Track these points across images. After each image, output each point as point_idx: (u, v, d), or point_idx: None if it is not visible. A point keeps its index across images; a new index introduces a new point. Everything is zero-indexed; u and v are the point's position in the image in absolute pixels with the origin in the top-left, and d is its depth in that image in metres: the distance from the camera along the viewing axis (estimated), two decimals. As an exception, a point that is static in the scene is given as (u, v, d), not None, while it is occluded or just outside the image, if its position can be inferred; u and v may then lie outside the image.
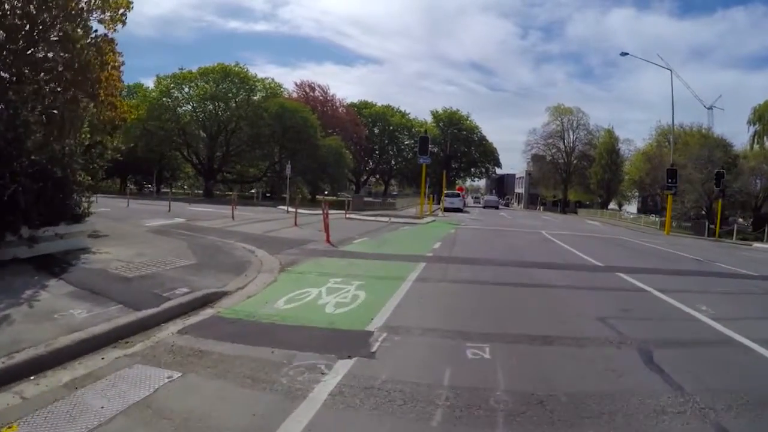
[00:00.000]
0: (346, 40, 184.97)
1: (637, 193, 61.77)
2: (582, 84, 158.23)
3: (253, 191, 50.89)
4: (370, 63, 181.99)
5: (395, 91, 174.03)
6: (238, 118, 45.15)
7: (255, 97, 45.65)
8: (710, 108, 54.56)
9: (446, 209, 39.80)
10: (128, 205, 22.87)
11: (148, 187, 52.04)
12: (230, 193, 50.59)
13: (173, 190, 47.34)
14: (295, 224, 16.97)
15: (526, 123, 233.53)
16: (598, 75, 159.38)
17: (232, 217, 18.98)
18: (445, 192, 45.63)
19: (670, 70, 36.00)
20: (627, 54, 42.82)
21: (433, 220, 25.03)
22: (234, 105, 45.19)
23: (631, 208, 65.52)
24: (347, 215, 21.85)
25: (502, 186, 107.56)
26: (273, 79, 48.01)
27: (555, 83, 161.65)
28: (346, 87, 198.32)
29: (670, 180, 32.21)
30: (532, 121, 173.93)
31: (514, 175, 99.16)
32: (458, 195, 47.10)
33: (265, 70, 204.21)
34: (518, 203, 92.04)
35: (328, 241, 12.81)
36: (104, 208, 17.75)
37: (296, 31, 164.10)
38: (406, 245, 13.61)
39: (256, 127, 43.56)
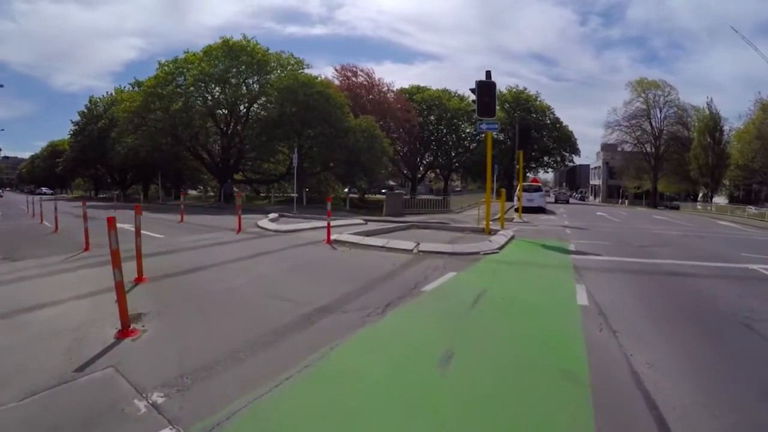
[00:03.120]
0: (403, 38, 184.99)
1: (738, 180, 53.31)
2: (647, 69, 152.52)
3: (273, 194, 47.64)
4: (430, 59, 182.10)
5: (456, 87, 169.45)
6: (249, 102, 41.28)
7: (270, 77, 40.43)
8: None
9: (524, 209, 28.32)
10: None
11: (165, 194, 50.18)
12: (258, 196, 48.88)
13: (187, 196, 45.64)
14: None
15: (592, 113, 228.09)
16: (663, 58, 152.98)
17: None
18: (522, 185, 32.77)
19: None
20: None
21: (510, 241, 13.81)
22: (244, 88, 40.64)
23: (720, 199, 55.57)
24: (341, 237, 12.90)
25: (573, 178, 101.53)
26: (292, 54, 42.17)
27: (619, 69, 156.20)
28: (406, 85, 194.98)
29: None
30: (599, 111, 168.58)
31: (587, 166, 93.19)
32: (539, 189, 35.92)
33: (325, 72, 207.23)
34: (594, 197, 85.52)
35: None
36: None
37: (353, 32, 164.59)
38: None
39: (267, 110, 39.93)
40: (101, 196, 68.08)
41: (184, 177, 58.57)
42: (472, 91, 15.94)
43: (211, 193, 54.08)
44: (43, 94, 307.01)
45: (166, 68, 40.42)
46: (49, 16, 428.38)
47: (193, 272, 8.78)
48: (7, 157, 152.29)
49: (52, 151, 74.95)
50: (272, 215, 22.07)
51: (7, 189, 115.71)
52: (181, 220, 20.04)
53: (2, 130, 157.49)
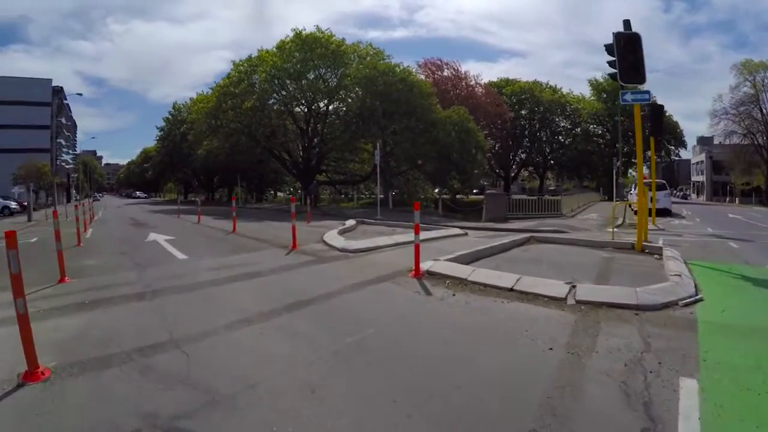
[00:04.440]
0: (486, 36, 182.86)
1: None
2: (738, 54, 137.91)
3: (358, 195, 43.78)
4: (514, 56, 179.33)
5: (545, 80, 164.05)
6: (328, 97, 37.60)
7: (348, 69, 36.36)
8: None
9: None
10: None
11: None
12: (343, 198, 45.87)
13: (267, 199, 43.81)
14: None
15: (683, 105, 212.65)
16: (755, 42, 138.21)
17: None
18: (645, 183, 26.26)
19: None
20: None
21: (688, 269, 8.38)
22: (321, 83, 36.89)
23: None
24: (437, 267, 8.48)
25: (672, 174, 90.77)
26: (370, 44, 38.29)
27: (709, 57, 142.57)
28: (495, 78, 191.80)
29: None
30: (690, 102, 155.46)
31: (687, 161, 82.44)
32: (663, 187, 29.52)
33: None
34: (697, 194, 75.17)
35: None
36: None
37: (434, 34, 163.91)
38: None
39: (347, 104, 36.27)
40: (191, 199, 68.45)
41: (270, 179, 57.07)
42: (608, 50, 10.97)
43: (298, 195, 51.51)
44: (141, 106, 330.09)
45: (240, 67, 38.36)
46: (143, 34, 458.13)
47: (130, 360, 4.40)
48: (108, 164, 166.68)
49: (145, 157, 77.27)
50: (348, 223, 17.85)
51: (105, 193, 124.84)
52: (233, 230, 16.28)
53: (93, 138, 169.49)
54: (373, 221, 19.96)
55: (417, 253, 8.15)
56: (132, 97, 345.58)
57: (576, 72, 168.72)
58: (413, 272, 8.03)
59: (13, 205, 33.71)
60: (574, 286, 6.69)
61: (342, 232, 14.72)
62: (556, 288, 6.73)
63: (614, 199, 28.47)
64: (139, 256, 10.99)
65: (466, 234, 14.89)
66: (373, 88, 32.82)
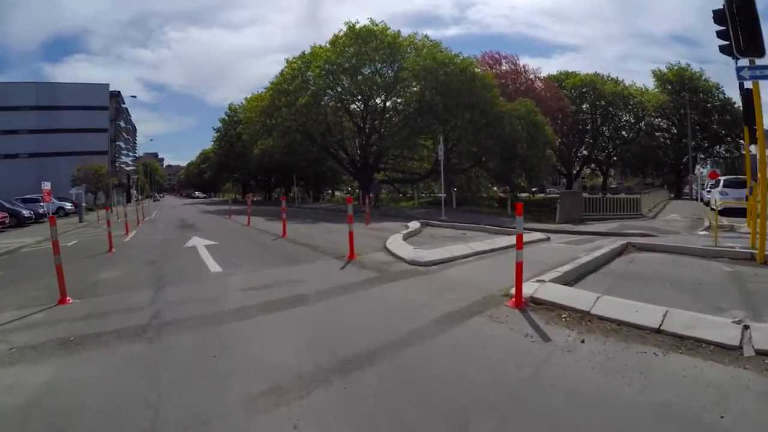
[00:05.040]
0: (539, 31, 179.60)
1: None
2: None
3: (418, 194, 41.60)
4: (568, 51, 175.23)
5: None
6: (385, 92, 35.52)
7: (405, 62, 34.06)
8: None
9: (726, 212, 17.80)
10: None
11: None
12: (402, 197, 43.98)
13: (327, 198, 42.63)
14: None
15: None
16: None
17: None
18: (723, 179, 23.45)
19: None
20: None
21: None
22: (377, 77, 34.91)
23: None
24: (543, 293, 7.56)
25: (734, 171, 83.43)
26: (426, 36, 36.22)
27: None
28: (554, 72, 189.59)
29: None
30: None
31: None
32: (743, 184, 18.90)
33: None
34: None
35: None
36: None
37: (487, 30, 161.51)
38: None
39: (405, 97, 33.95)
40: (245, 199, 68.68)
41: (327, 179, 56.16)
42: (716, 18, 8.69)
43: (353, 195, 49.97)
44: (200, 110, 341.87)
45: (294, 65, 37.14)
46: (200, 41, 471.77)
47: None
48: (170, 166, 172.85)
49: (203, 158, 78.42)
50: (412, 225, 15.68)
51: (166, 194, 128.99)
52: (283, 233, 14.36)
53: (152, 140, 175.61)
54: (438, 223, 17.75)
55: (519, 276, 5.82)
56: (191, 101, 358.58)
57: (632, 66, 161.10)
58: (513, 300, 5.79)
59: (68, 206, 33.53)
60: (746, 327, 4.39)
61: (407, 237, 12.61)
62: (722, 329, 4.48)
63: (690, 198, 25.20)
64: (166, 268, 9.28)
65: (549, 239, 12.53)
66: (432, 81, 30.49)
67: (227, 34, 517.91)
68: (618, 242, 10.79)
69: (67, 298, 6.76)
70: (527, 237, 12.52)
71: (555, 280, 6.61)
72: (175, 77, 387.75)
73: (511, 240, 11.70)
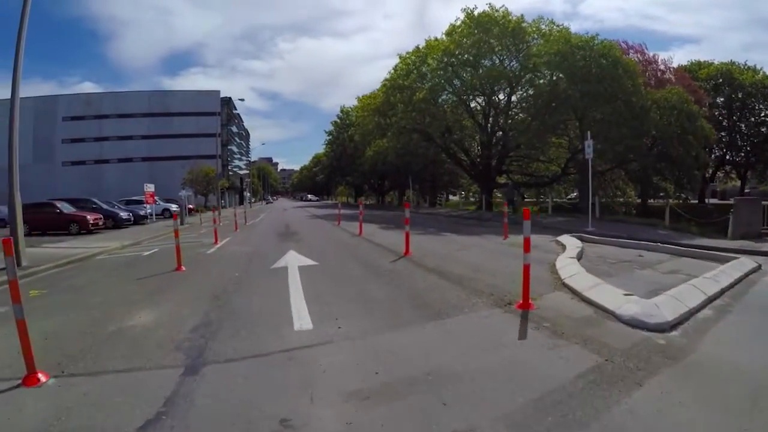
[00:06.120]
0: (654, 24, 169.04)
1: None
2: None
3: (544, 200, 36.73)
4: (686, 43, 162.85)
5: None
6: (510, 85, 31.41)
7: (531, 50, 29.83)
8: None
9: None
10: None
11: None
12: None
13: (444, 202, 39.41)
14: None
15: None
16: None
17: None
18: None
19: None
20: None
21: None
22: (502, 67, 30.82)
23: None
24: None
25: None
26: (552, 20, 31.34)
27: None
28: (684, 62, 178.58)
29: None
30: None
31: None
32: None
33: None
34: None
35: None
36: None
37: (601, 25, 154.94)
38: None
39: (535, 87, 29.51)
40: (357, 202, 67.57)
41: (444, 182, 52.50)
42: None
43: (472, 198, 45.88)
44: (314, 116, 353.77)
45: (407, 60, 34.39)
46: (310, 51, 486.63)
47: None
48: (284, 170, 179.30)
49: (316, 161, 79.19)
50: (567, 241, 11.95)
51: (279, 197, 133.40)
52: (406, 251, 10.66)
53: (263, 144, 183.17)
54: (596, 237, 13.37)
55: None
56: (304, 108, 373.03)
57: (756, 56, 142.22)
58: None
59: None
60: None
61: (577, 258, 8.77)
62: None
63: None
64: (230, 311, 6.01)
65: (760, 267, 8.21)
66: (568, 68, 25.93)
67: (336, 42, 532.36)
68: None
69: (39, 374, 3.82)
70: (737, 268, 8.03)
71: None
72: (287, 86, 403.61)
73: (727, 270, 7.52)
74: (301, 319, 5.49)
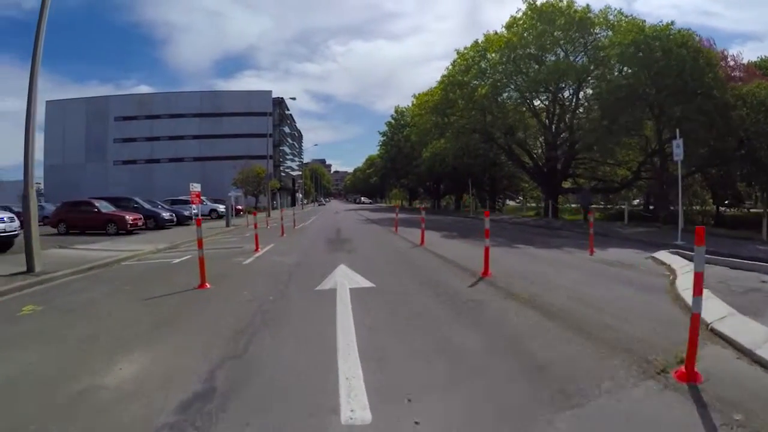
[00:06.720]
0: (711, 20, 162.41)
1: None
2: None
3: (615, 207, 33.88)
4: (748, 40, 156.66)
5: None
6: (577, 81, 29.13)
7: (600, 42, 27.88)
8: None
9: None
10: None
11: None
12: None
13: (503, 208, 37.10)
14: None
15: None
16: None
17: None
18: None
19: None
20: None
21: None
22: (566, 62, 28.63)
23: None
24: None
25: None
26: (621, 11, 28.80)
27: None
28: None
29: None
30: None
31: None
32: None
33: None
34: None
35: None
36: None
37: (656, 23, 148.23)
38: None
39: (606, 81, 26.53)
40: (414, 206, 65.69)
41: (504, 185, 50.83)
42: None
43: (532, 204, 43.49)
44: (367, 118, 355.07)
45: (466, 55, 32.72)
46: (363, 53, 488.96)
47: None
48: (337, 172, 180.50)
49: (370, 163, 78.71)
50: (666, 258, 10.13)
51: (332, 198, 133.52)
52: (484, 270, 8.55)
53: (316, 145, 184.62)
54: (710, 258, 10.74)
55: None
56: (358, 109, 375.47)
57: None
58: None
59: (221, 208, 31.58)
60: None
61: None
62: None
63: None
64: (247, 367, 4.10)
65: None
66: (643, 60, 23.32)
67: (389, 44, 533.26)
68: None
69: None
70: None
71: None
72: (341, 88, 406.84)
73: None
74: (353, 399, 3.40)
